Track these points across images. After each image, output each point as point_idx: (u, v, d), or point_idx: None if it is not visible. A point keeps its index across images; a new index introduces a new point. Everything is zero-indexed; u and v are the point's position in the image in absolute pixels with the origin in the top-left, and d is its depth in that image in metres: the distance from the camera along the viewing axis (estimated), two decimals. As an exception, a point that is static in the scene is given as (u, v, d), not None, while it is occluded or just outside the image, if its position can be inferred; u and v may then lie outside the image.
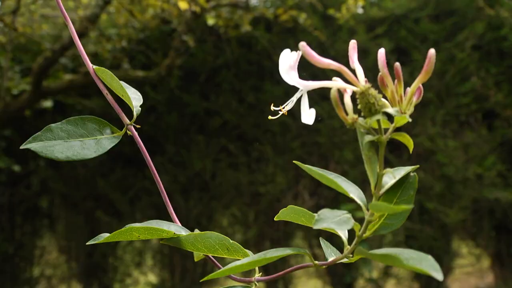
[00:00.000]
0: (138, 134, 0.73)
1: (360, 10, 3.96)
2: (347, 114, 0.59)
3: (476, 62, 4.13)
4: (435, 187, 4.06)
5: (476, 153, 4.06)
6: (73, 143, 0.68)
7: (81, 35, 3.44)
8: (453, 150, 4.04)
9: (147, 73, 3.90)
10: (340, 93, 0.60)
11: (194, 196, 4.34)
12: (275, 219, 0.66)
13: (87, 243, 0.69)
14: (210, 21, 3.80)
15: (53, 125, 0.68)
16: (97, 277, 4.66)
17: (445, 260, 4.26)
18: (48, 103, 4.00)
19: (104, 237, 0.67)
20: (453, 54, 4.12)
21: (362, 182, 4.25)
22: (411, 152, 0.62)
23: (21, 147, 0.66)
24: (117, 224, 4.53)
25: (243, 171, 4.28)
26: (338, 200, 4.03)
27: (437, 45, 4.17)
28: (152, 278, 4.82)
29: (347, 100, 0.60)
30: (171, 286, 4.48)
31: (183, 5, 3.33)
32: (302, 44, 0.60)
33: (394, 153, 4.22)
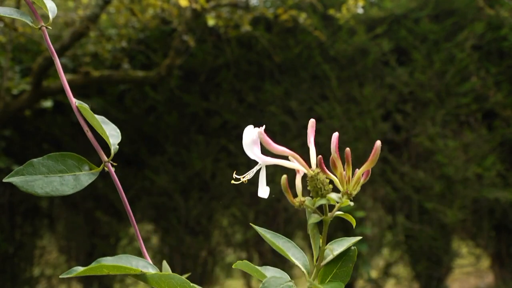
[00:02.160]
0: (115, 171, 0.76)
1: (360, 10, 3.97)
2: (296, 195, 0.67)
3: (476, 62, 4.13)
4: (435, 187, 4.06)
5: (476, 153, 4.06)
6: (52, 179, 0.71)
7: (81, 35, 3.44)
8: (453, 150, 4.04)
9: (147, 73, 3.90)
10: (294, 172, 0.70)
11: (194, 196, 4.34)
12: (233, 266, 0.72)
13: (60, 276, 0.74)
14: (210, 21, 3.80)
15: (34, 160, 0.71)
16: (97, 277, 4.65)
17: (445, 260, 4.27)
18: (48, 103, 4.00)
19: (77, 270, 0.72)
20: (453, 54, 4.12)
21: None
22: (354, 226, 0.69)
23: (4, 180, 0.69)
24: (116, 224, 4.53)
25: (243, 171, 4.27)
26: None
27: (437, 45, 4.17)
28: (152, 278, 4.81)
29: (298, 182, 0.69)
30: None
31: (183, 3, 3.32)
32: (261, 132, 0.67)
33: (393, 153, 4.22)
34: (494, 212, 4.15)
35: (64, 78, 0.77)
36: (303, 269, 0.70)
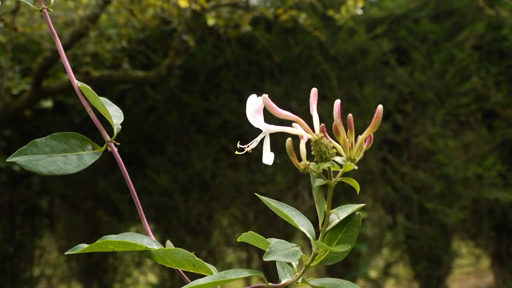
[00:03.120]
0: (119, 151, 0.76)
1: (359, 11, 3.96)
2: (300, 160, 0.67)
3: (476, 62, 4.13)
4: (435, 187, 4.06)
5: (476, 153, 4.06)
6: (56, 158, 0.71)
7: (81, 35, 3.44)
8: (453, 150, 4.04)
9: (147, 73, 3.90)
10: (298, 138, 0.70)
11: (194, 196, 4.34)
12: (238, 240, 0.72)
13: (65, 253, 0.73)
14: (210, 21, 3.80)
15: (38, 140, 0.71)
16: (97, 277, 4.66)
17: (445, 260, 4.27)
18: (48, 103, 4.00)
19: (82, 247, 0.71)
20: (453, 54, 4.12)
21: (362, 182, 4.25)
22: (358, 193, 0.69)
23: (8, 160, 0.69)
24: (117, 224, 4.53)
25: (243, 171, 4.28)
26: (338, 200, 4.03)
27: (437, 45, 4.17)
28: (152, 278, 4.82)
29: (302, 146, 0.69)
30: (171, 286, 4.48)
31: (183, 3, 3.32)
32: (264, 96, 0.68)
33: (394, 153, 4.22)
34: (494, 212, 4.15)
35: (65, 58, 0.77)
36: (308, 234, 0.70)
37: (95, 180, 4.39)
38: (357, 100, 4.18)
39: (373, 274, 4.52)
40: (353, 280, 4.33)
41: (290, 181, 4.22)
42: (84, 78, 3.71)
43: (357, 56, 4.21)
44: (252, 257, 4.58)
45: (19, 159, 0.69)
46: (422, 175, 4.09)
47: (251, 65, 4.32)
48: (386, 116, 4.26)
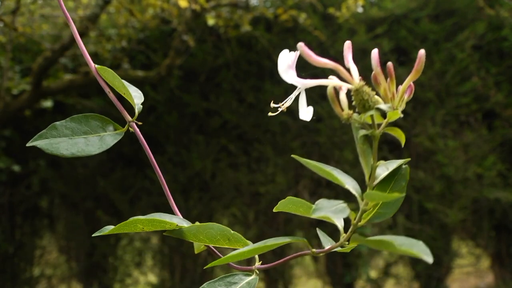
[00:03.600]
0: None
1: (360, 9, 3.96)
2: (342, 110, 0.63)
3: (476, 62, 4.13)
4: (435, 187, 4.06)
5: (476, 153, 4.06)
6: (77, 140, 0.70)
7: (81, 35, 3.44)
8: (453, 150, 4.04)
9: (147, 73, 3.90)
10: (336, 91, 0.65)
11: (194, 196, 4.34)
12: (274, 210, 0.69)
13: (93, 235, 0.71)
14: (210, 21, 3.80)
15: (57, 123, 0.70)
16: (97, 277, 4.66)
17: (445, 260, 4.27)
18: (48, 103, 4.00)
19: (109, 229, 0.70)
20: (453, 54, 4.12)
21: (362, 182, 4.25)
22: (403, 145, 0.65)
23: (28, 145, 0.68)
24: (117, 224, 4.52)
25: (243, 171, 4.28)
26: (338, 198, 4.02)
27: (437, 45, 4.17)
28: (152, 278, 4.82)
29: (343, 96, 0.64)
30: (171, 286, 4.48)
31: (183, 3, 3.32)
32: (301, 44, 0.65)
33: (393, 153, 4.22)
34: (494, 212, 4.15)
35: (80, 40, 0.77)
36: (354, 192, 0.66)
37: (95, 180, 4.39)
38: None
39: (373, 274, 4.53)
40: (353, 280, 4.33)
41: (290, 181, 4.22)
42: (84, 78, 3.71)
43: (357, 56, 4.20)
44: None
45: (40, 142, 0.69)
46: (422, 175, 4.09)
47: (251, 65, 4.32)
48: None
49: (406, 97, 0.64)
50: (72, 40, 3.40)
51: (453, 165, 4.02)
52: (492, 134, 4.11)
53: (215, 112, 4.33)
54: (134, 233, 4.85)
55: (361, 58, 4.21)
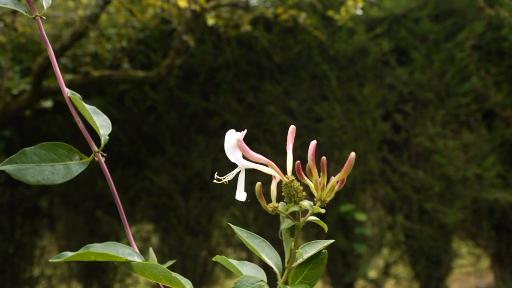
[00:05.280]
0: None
1: (359, 12, 3.96)
2: (270, 201, 0.70)
3: (476, 62, 4.13)
4: (435, 187, 4.06)
5: (476, 153, 4.06)
6: (44, 168, 0.72)
7: (81, 35, 3.44)
8: (453, 150, 4.04)
9: (147, 73, 3.90)
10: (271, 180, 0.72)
11: (194, 196, 4.34)
12: (213, 259, 0.76)
13: (49, 260, 0.75)
14: (210, 21, 3.80)
15: (27, 149, 0.72)
16: (97, 277, 4.66)
17: (445, 260, 4.26)
18: (48, 103, 4.00)
19: (67, 255, 0.73)
20: (453, 54, 4.12)
21: (362, 182, 4.25)
22: (326, 231, 0.72)
23: None
24: (116, 224, 4.53)
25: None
26: (338, 200, 4.03)
27: (437, 45, 4.17)
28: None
29: (273, 188, 0.72)
30: (171, 286, 4.47)
31: (182, 3, 3.32)
32: (238, 139, 0.70)
33: (394, 153, 4.22)
34: (494, 212, 4.15)
35: (55, 64, 0.78)
36: (275, 269, 0.73)
37: (95, 180, 4.39)
38: (357, 100, 4.18)
39: (373, 274, 4.52)
40: (353, 280, 4.33)
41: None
42: (84, 78, 3.71)
43: (357, 56, 4.21)
44: (252, 257, 4.57)
45: (8, 167, 0.70)
46: (422, 175, 4.09)
47: (251, 65, 4.32)
48: (386, 116, 4.26)
49: (336, 188, 0.69)
50: (72, 40, 3.40)
51: (453, 165, 4.02)
52: (491, 134, 4.11)
53: (215, 112, 4.33)
54: (134, 232, 4.86)
55: (361, 58, 4.21)
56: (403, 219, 4.21)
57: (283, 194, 0.69)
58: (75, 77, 3.75)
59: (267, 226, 4.35)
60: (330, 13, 3.91)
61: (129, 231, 0.82)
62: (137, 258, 0.76)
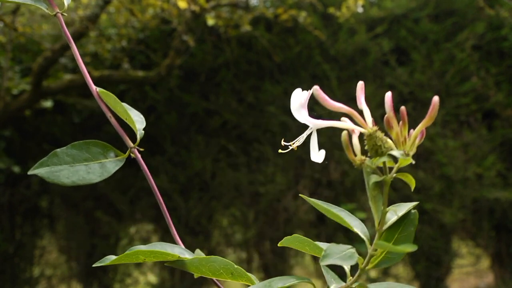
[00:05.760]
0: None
1: (360, 9, 3.96)
2: (355, 154, 0.63)
3: (476, 62, 4.13)
4: (435, 187, 4.06)
5: (476, 153, 4.06)
6: (78, 168, 0.69)
7: (81, 35, 3.44)
8: (453, 150, 4.04)
9: (147, 73, 3.90)
10: (349, 134, 0.65)
11: (194, 196, 4.34)
12: (279, 245, 0.69)
13: (93, 265, 0.70)
14: (210, 21, 3.80)
15: (58, 150, 0.69)
16: (97, 277, 4.66)
17: (445, 260, 4.26)
18: (48, 103, 4.00)
19: (110, 259, 0.69)
20: (453, 54, 4.12)
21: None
22: (412, 189, 0.66)
23: (29, 173, 0.66)
24: (117, 224, 4.53)
25: (243, 171, 4.28)
26: (338, 200, 4.03)
27: (437, 45, 4.17)
28: (152, 278, 4.82)
29: (355, 141, 0.64)
30: (171, 286, 4.48)
31: (182, 4, 3.32)
32: (316, 88, 0.64)
33: (394, 153, 4.21)
34: (494, 212, 4.15)
35: (81, 63, 0.76)
36: (362, 236, 0.67)
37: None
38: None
39: (373, 274, 4.52)
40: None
41: (290, 181, 4.22)
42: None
43: (357, 56, 4.21)
44: (252, 257, 4.58)
45: (41, 171, 0.67)
46: (422, 175, 4.09)
47: (251, 65, 4.32)
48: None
49: (417, 141, 0.65)
50: (72, 40, 3.40)
51: (453, 165, 4.02)
52: (492, 134, 4.11)
53: (215, 112, 4.33)
54: (134, 233, 4.85)
55: (361, 58, 4.21)
56: (403, 219, 4.20)
57: (366, 148, 0.63)
58: (75, 77, 3.75)
59: (267, 226, 4.35)
60: (331, 10, 3.91)
61: (174, 230, 0.78)
62: (188, 256, 0.72)
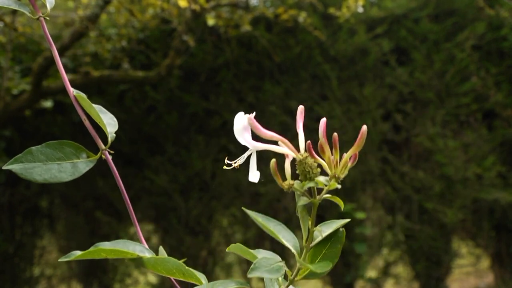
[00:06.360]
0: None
1: (360, 9, 3.96)
2: (285, 178, 0.69)
3: (476, 62, 4.13)
4: (435, 187, 4.06)
5: (476, 153, 4.06)
6: (51, 166, 0.72)
7: (81, 35, 3.44)
8: (453, 150, 4.04)
9: (147, 73, 3.90)
10: (283, 158, 0.73)
11: (194, 196, 4.34)
12: (227, 250, 0.74)
13: (59, 260, 0.75)
14: (210, 21, 3.80)
15: (33, 148, 0.72)
16: (97, 277, 4.66)
17: (445, 260, 4.26)
18: (48, 103, 4.00)
19: (75, 254, 0.73)
20: (453, 54, 4.12)
21: (362, 182, 4.25)
22: (342, 209, 0.70)
23: (3, 168, 0.70)
24: (116, 224, 4.53)
25: (243, 171, 4.26)
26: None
27: (437, 45, 4.17)
28: (152, 278, 4.82)
29: (287, 165, 0.71)
30: (171, 286, 4.47)
31: (182, 3, 3.32)
32: (249, 117, 0.71)
33: (394, 153, 4.22)
34: (494, 212, 4.15)
35: (60, 63, 0.79)
36: (293, 250, 0.72)
37: (94, 180, 4.39)
38: (357, 100, 4.18)
39: (373, 274, 4.52)
40: (353, 280, 4.33)
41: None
42: (84, 78, 3.71)
43: (357, 56, 4.21)
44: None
45: (15, 166, 0.71)
46: (422, 175, 4.09)
47: (251, 65, 4.32)
48: (386, 116, 4.26)
49: (349, 164, 0.68)
50: (72, 40, 3.41)
51: (453, 165, 4.02)
52: (492, 134, 4.11)
53: (215, 112, 4.33)
54: (134, 233, 4.85)
55: (361, 58, 4.21)
56: (403, 219, 4.21)
57: (297, 172, 0.68)
58: (75, 77, 3.75)
59: (267, 226, 4.35)
60: (332, 10, 3.91)
61: (139, 228, 0.83)
62: (147, 254, 0.77)
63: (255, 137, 0.75)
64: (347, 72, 4.22)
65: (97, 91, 4.32)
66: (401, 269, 4.56)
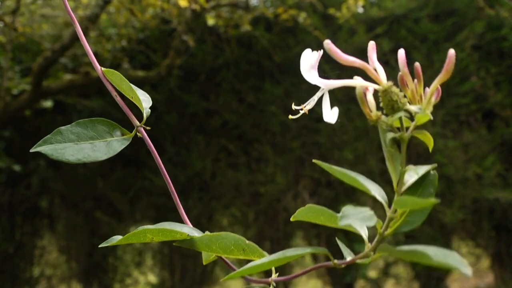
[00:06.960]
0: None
1: (360, 10, 3.96)
2: (371, 111, 0.60)
3: (476, 62, 4.13)
4: (435, 187, 4.06)
5: (476, 153, 4.06)
6: (83, 146, 0.67)
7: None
8: (453, 150, 4.04)
9: (147, 73, 3.90)
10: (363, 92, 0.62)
11: (194, 196, 4.34)
12: (291, 219, 0.66)
13: (100, 245, 0.68)
14: (210, 21, 3.80)
15: (63, 127, 0.67)
16: (97, 277, 4.66)
17: (445, 260, 4.26)
18: (48, 103, 4.00)
19: (117, 239, 0.67)
20: (453, 54, 4.12)
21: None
22: (430, 151, 0.63)
23: (31, 150, 0.65)
24: (116, 224, 4.53)
25: (243, 171, 4.28)
26: (338, 200, 4.02)
27: (437, 45, 4.17)
28: (152, 278, 4.82)
29: (370, 97, 0.61)
30: (171, 286, 4.48)
31: (183, 3, 3.32)
32: (327, 42, 0.62)
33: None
34: (494, 212, 4.15)
35: (84, 40, 0.75)
36: (380, 199, 0.64)
37: (94, 180, 4.39)
38: (357, 100, 4.18)
39: (373, 274, 4.53)
40: (353, 280, 4.33)
41: (290, 181, 4.22)
42: (84, 78, 3.71)
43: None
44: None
45: (44, 148, 0.65)
46: (422, 175, 4.09)
47: (251, 65, 4.32)
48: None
49: (433, 100, 0.61)
50: (72, 40, 3.40)
51: (453, 165, 4.02)
52: (491, 134, 4.11)
53: (215, 112, 4.33)
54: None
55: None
56: (403, 219, 4.20)
57: (381, 105, 0.60)
58: (75, 77, 3.75)
59: (267, 226, 4.35)
60: (331, 11, 3.91)
61: (182, 209, 0.76)
62: (197, 234, 0.69)
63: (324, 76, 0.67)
64: (347, 72, 4.21)
65: (97, 91, 4.32)
66: (401, 269, 4.56)
